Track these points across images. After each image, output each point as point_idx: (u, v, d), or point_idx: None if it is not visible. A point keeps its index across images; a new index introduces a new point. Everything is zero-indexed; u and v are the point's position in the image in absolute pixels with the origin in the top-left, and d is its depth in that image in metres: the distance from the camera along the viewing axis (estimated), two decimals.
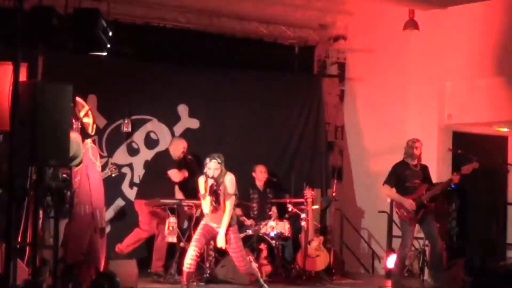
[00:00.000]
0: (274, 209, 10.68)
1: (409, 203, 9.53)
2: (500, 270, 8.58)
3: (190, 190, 10.33)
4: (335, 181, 11.34)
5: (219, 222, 8.38)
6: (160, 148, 10.76)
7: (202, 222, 8.60)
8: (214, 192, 8.41)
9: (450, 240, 11.05)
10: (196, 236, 8.47)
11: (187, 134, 10.86)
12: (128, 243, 9.88)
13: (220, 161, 8.42)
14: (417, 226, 9.85)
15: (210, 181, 8.38)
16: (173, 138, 10.62)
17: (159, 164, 10.27)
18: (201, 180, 8.51)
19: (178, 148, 10.23)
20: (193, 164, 10.10)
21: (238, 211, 10.43)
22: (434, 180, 10.85)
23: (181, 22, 10.83)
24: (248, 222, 10.43)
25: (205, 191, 8.38)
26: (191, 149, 10.30)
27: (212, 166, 8.42)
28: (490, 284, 8.23)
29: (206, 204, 8.43)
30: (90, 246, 8.55)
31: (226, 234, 8.36)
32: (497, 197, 11.48)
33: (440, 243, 9.63)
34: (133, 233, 9.97)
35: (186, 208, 9.96)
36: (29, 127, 5.99)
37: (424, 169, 9.83)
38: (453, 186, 9.86)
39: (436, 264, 9.70)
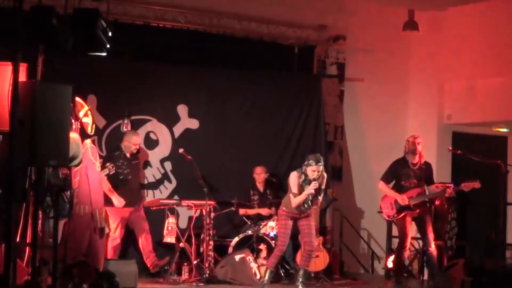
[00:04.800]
0: (274, 209, 10.67)
1: (401, 198, 9.51)
2: (500, 270, 8.57)
3: (191, 190, 10.35)
4: (335, 181, 11.32)
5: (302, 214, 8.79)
6: (160, 148, 10.75)
7: (283, 219, 8.88)
8: (315, 194, 8.65)
9: (450, 240, 11.04)
10: (284, 238, 8.84)
11: (187, 134, 10.85)
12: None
13: (322, 162, 8.63)
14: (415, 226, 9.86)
15: (315, 184, 8.55)
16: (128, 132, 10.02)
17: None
18: (294, 177, 8.70)
19: (129, 144, 9.94)
20: (193, 165, 10.07)
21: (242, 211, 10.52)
22: None
23: (181, 22, 10.82)
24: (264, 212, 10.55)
25: (298, 192, 8.64)
26: (191, 150, 10.28)
27: (316, 168, 8.58)
28: (490, 284, 8.22)
29: (296, 201, 8.65)
30: (89, 246, 8.57)
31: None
32: (497, 197, 11.47)
33: (431, 244, 9.56)
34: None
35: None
36: (29, 127, 5.99)
37: (428, 166, 9.73)
38: None
39: (431, 264, 9.68)
